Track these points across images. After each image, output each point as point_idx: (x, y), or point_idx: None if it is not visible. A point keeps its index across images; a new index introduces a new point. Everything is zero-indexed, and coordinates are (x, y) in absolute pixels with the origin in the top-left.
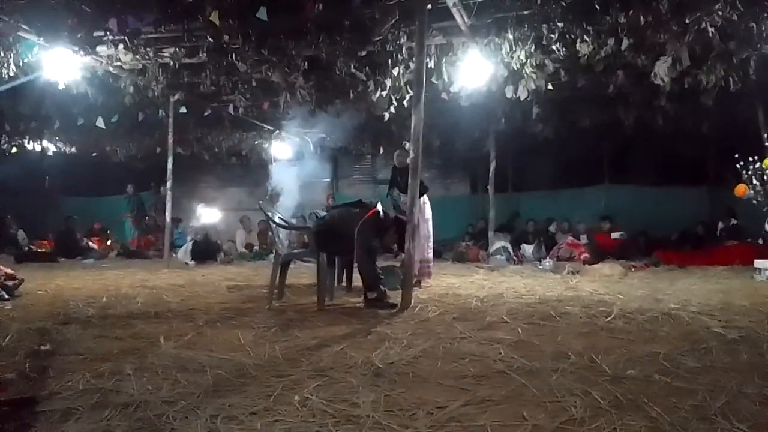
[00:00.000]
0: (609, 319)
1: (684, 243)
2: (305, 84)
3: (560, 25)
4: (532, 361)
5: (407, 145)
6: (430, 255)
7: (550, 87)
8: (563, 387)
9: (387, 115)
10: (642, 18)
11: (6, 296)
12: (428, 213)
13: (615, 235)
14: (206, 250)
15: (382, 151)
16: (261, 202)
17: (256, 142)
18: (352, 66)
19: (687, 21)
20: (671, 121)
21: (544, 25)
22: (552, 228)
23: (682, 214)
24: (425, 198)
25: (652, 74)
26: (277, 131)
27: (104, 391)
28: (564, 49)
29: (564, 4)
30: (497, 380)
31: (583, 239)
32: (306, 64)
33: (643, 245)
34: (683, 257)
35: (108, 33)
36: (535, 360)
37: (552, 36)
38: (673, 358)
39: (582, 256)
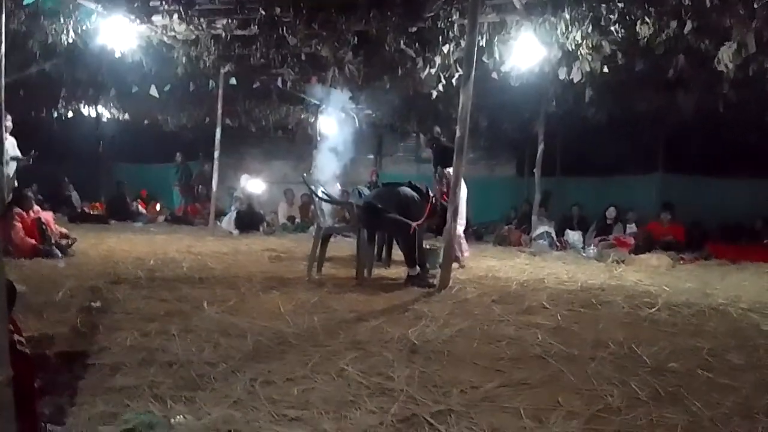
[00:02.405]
0: (653, 310)
1: (738, 236)
2: (354, 59)
3: (620, 5)
4: (570, 347)
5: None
6: (461, 231)
7: (605, 69)
8: (601, 375)
9: (434, 93)
10: (707, 0)
11: (60, 254)
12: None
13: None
14: (250, 220)
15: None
16: (305, 175)
17: (302, 117)
18: (401, 42)
19: (755, 5)
20: (734, 109)
21: (603, 5)
22: (609, 214)
23: (740, 206)
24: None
25: (716, 59)
26: (324, 106)
27: (150, 349)
28: (623, 30)
29: None
30: (533, 364)
31: (631, 228)
32: (355, 39)
33: (698, 237)
34: (736, 251)
35: (163, 2)
36: (574, 347)
37: (611, 16)
38: (717, 353)
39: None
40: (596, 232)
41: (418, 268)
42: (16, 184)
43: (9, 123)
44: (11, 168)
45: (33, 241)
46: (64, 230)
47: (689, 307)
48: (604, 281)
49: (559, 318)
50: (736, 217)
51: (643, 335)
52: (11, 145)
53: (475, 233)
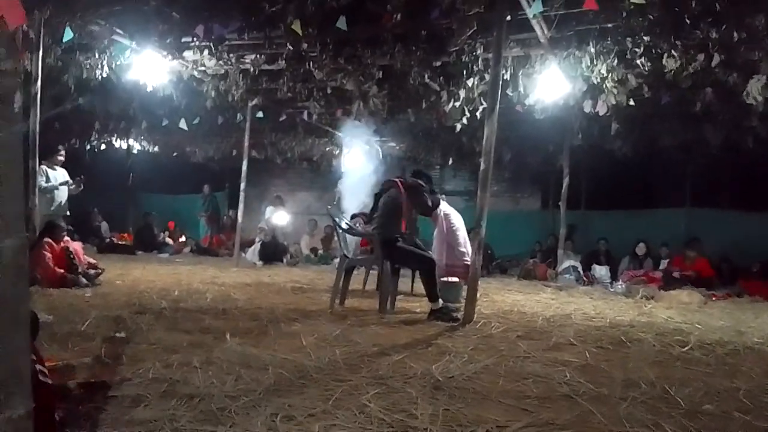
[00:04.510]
0: (685, 349)
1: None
2: (378, 93)
3: (646, 38)
4: (599, 387)
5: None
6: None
7: (631, 102)
8: (632, 417)
9: (458, 126)
10: (735, 34)
11: (87, 283)
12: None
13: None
14: (274, 251)
15: (451, 161)
16: (329, 207)
17: (327, 149)
18: (426, 76)
19: None
20: (763, 142)
21: (629, 39)
22: (639, 250)
23: None
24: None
25: (744, 93)
26: (349, 138)
27: (172, 381)
28: (649, 63)
29: (651, 18)
30: (561, 404)
31: (664, 264)
32: (380, 73)
33: (727, 273)
34: None
35: (195, 39)
36: (603, 386)
37: (636, 50)
38: (755, 395)
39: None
40: (629, 267)
41: (441, 301)
42: (68, 212)
43: (62, 155)
44: (63, 195)
45: (61, 271)
46: (92, 260)
47: (723, 345)
48: (633, 318)
49: (588, 355)
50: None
51: (676, 375)
52: (62, 175)
53: (499, 267)
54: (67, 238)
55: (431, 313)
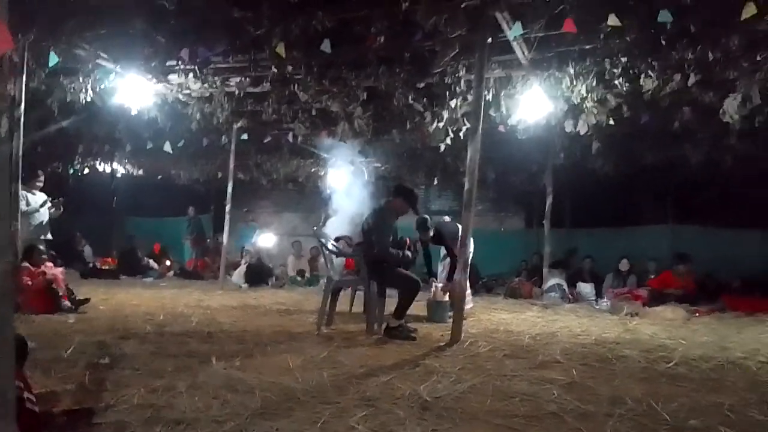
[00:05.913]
0: (670, 365)
1: (751, 289)
2: (363, 114)
3: (624, 59)
4: (586, 404)
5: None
6: None
7: (611, 122)
8: None
9: (442, 146)
10: (710, 54)
11: (71, 307)
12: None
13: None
14: (259, 273)
15: (435, 181)
16: (315, 228)
17: (312, 170)
18: (410, 97)
19: (758, 58)
20: (741, 160)
21: (607, 60)
22: (622, 266)
23: (752, 258)
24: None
25: (721, 111)
26: (334, 159)
27: (157, 406)
28: (627, 83)
29: (628, 39)
30: (549, 422)
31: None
32: (365, 94)
33: (710, 289)
34: (752, 304)
35: (180, 62)
36: (590, 403)
37: (615, 71)
38: (739, 409)
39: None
40: (613, 284)
41: (399, 321)
42: (50, 236)
43: (41, 180)
44: (43, 216)
45: (42, 297)
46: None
47: (707, 361)
48: (618, 335)
49: (574, 373)
50: (749, 268)
51: (662, 391)
52: (41, 199)
53: (485, 286)
54: (49, 263)
55: (387, 330)
